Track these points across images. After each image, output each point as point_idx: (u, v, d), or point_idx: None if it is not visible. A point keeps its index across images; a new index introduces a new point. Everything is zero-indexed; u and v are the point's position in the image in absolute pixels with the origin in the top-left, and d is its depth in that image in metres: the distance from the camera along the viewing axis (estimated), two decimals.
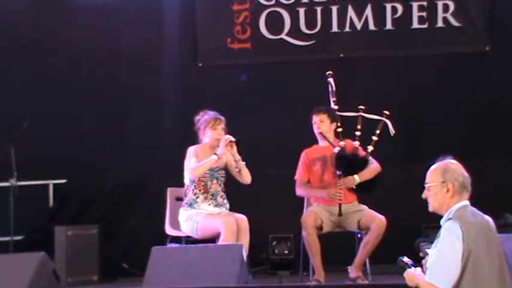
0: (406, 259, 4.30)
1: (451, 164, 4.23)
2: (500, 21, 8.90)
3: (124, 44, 9.17)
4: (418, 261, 4.36)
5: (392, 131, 7.04)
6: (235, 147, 6.70)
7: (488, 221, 4.16)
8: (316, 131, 7.00)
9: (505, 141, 8.56)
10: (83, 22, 9.16)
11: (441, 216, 4.21)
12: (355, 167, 6.87)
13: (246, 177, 6.77)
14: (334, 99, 7.16)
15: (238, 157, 6.73)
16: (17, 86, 9.08)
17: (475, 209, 4.17)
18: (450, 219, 4.09)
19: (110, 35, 9.17)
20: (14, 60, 9.10)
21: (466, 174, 4.21)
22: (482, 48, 8.87)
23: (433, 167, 4.25)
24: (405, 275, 4.24)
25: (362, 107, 7.05)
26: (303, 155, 7.09)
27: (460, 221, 4.04)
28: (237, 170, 6.76)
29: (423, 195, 4.27)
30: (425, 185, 4.26)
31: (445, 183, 4.16)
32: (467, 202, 4.17)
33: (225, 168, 6.86)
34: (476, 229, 4.04)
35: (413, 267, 4.24)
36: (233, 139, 6.68)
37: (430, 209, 4.26)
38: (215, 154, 6.62)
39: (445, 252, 4.01)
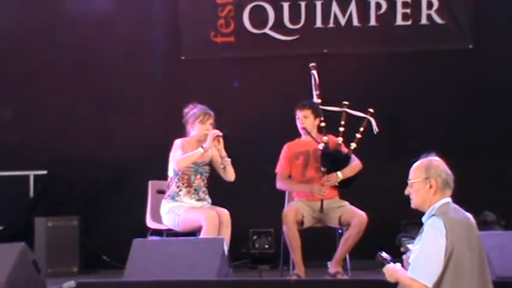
0: (384, 254, 4.32)
1: (434, 160, 4.25)
2: (484, 19, 8.93)
3: (107, 37, 9.13)
4: (399, 257, 4.38)
5: (375, 129, 7.05)
6: (222, 143, 6.69)
7: (469, 218, 4.20)
8: (299, 126, 7.00)
9: (487, 139, 8.60)
10: (69, 15, 9.11)
11: (422, 213, 4.24)
12: (338, 164, 6.87)
13: (230, 174, 6.76)
14: (318, 92, 7.15)
15: (224, 153, 6.72)
16: None
17: (457, 206, 4.20)
18: (433, 215, 4.11)
19: (94, 28, 9.12)
20: None
21: (448, 171, 4.23)
22: (466, 46, 8.91)
23: (416, 163, 4.28)
24: (384, 270, 4.26)
25: (346, 102, 7.05)
26: (285, 148, 7.08)
27: (444, 217, 4.06)
28: (222, 166, 6.75)
29: (406, 192, 4.29)
30: (408, 181, 4.28)
31: (428, 179, 4.19)
32: (449, 199, 4.20)
33: (210, 164, 6.85)
34: (459, 226, 4.07)
35: (392, 263, 4.26)
36: (220, 134, 6.67)
37: (413, 205, 4.28)
38: (201, 147, 6.61)
39: (428, 248, 4.04)
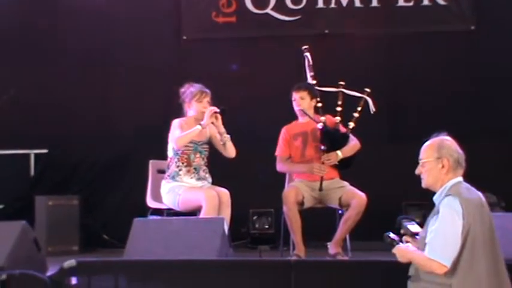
0: (392, 235, 4.31)
1: (445, 140, 4.25)
2: (485, 1, 8.90)
3: (108, 18, 9.11)
4: (401, 239, 4.37)
5: (372, 108, 7.04)
6: (220, 119, 6.69)
7: (481, 197, 4.22)
8: (296, 108, 6.99)
9: (488, 121, 8.59)
10: None
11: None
12: (337, 143, 6.87)
13: (230, 150, 6.76)
14: (312, 73, 7.14)
15: (223, 130, 6.73)
16: (1, 56, 9.01)
17: (468, 185, 4.21)
18: (449, 195, 4.10)
19: (95, 9, 9.09)
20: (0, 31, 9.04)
21: (460, 150, 4.24)
22: (467, 27, 8.89)
23: (427, 143, 4.27)
24: (395, 250, 4.25)
25: (342, 82, 7.03)
26: (283, 130, 7.08)
27: (459, 197, 4.06)
28: (221, 143, 6.75)
29: (416, 171, 4.28)
30: (420, 161, 4.27)
31: (440, 159, 4.19)
32: (461, 178, 4.21)
33: (209, 143, 6.85)
34: (473, 205, 4.09)
35: (401, 243, 4.25)
36: (218, 110, 6.67)
37: (424, 185, 4.27)
38: (200, 124, 6.61)
39: (446, 228, 4.04)
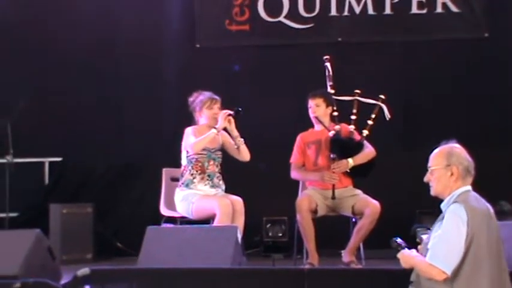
0: (399, 240, 4.30)
1: (455, 147, 4.23)
2: (499, 8, 8.88)
3: (122, 25, 9.13)
4: (413, 247, 4.36)
5: (387, 115, 7.04)
6: (233, 123, 6.70)
7: (489, 208, 4.19)
8: (311, 115, 7.00)
9: (502, 129, 8.57)
10: (82, 2, 9.12)
11: (436, 202, 4.22)
12: (349, 151, 6.87)
13: (244, 154, 6.77)
14: (331, 83, 7.15)
15: (236, 133, 6.73)
16: (15, 64, 9.04)
17: (477, 195, 4.18)
18: (456, 202, 4.09)
19: (109, 16, 9.13)
20: (13, 38, 9.06)
21: (469, 158, 4.21)
22: (481, 35, 8.86)
23: (437, 150, 4.25)
24: (399, 255, 4.24)
25: (358, 91, 7.04)
26: (298, 138, 7.09)
27: (465, 204, 4.05)
28: (235, 147, 6.75)
29: (425, 179, 4.26)
30: (429, 168, 4.25)
31: (449, 166, 4.17)
32: (469, 187, 4.18)
33: (222, 149, 6.86)
34: (480, 214, 4.06)
35: (406, 248, 4.24)
36: (231, 112, 6.68)
37: (432, 192, 4.25)
38: (215, 128, 6.62)
39: (449, 235, 4.02)
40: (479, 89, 8.76)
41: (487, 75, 8.79)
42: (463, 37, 8.89)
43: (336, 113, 6.99)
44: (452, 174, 4.16)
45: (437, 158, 4.23)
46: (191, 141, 6.68)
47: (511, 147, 8.52)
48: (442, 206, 4.20)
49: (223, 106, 6.84)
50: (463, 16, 8.92)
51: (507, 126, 8.58)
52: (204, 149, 6.70)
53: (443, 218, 4.11)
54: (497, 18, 8.84)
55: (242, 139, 6.76)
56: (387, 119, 7.05)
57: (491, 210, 4.19)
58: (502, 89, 8.75)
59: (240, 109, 6.73)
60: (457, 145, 4.26)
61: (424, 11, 8.96)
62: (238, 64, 9.00)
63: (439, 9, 8.94)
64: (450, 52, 8.86)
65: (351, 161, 6.83)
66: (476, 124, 8.60)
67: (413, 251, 4.24)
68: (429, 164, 4.25)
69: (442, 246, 4.04)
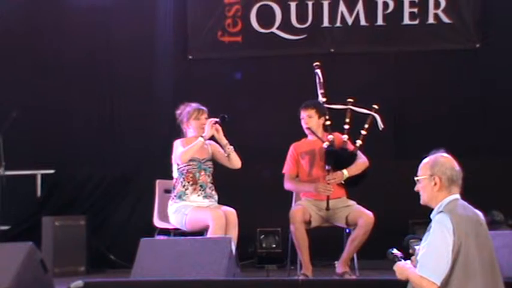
0: (395, 251, 4.31)
1: (441, 157, 4.26)
2: (491, 19, 8.92)
3: (115, 37, 9.15)
4: (407, 258, 4.36)
5: (381, 125, 7.05)
6: (220, 132, 6.69)
7: (478, 215, 4.19)
8: (304, 126, 7.00)
9: (494, 139, 8.59)
10: (75, 14, 9.12)
11: (430, 211, 4.23)
12: (343, 162, 6.86)
13: (235, 161, 6.75)
14: (322, 91, 7.15)
15: (225, 141, 6.72)
16: (6, 76, 9.03)
17: (465, 203, 4.19)
18: (441, 212, 4.11)
19: (101, 27, 9.14)
20: (3, 50, 9.06)
21: (456, 168, 4.22)
22: (472, 45, 8.89)
23: (424, 160, 4.28)
24: (395, 267, 4.25)
25: (351, 99, 7.04)
26: (291, 148, 7.09)
27: (451, 214, 4.06)
28: (225, 155, 6.74)
29: (415, 188, 4.29)
30: (416, 178, 4.28)
31: (432, 176, 4.20)
32: (457, 196, 4.20)
33: (212, 160, 6.85)
34: (467, 222, 4.06)
35: (403, 260, 4.25)
36: (217, 119, 6.67)
37: (421, 202, 4.29)
38: (201, 136, 6.61)
39: (436, 245, 4.03)
40: (470, 99, 8.79)
41: (478, 86, 8.82)
42: (455, 48, 8.92)
43: (328, 122, 6.99)
44: (435, 184, 4.19)
45: (422, 168, 4.27)
46: (179, 151, 6.67)
47: (503, 157, 8.53)
48: (432, 216, 4.21)
49: (214, 117, 6.83)
50: (454, 27, 8.95)
51: (499, 137, 8.59)
52: (193, 160, 6.69)
53: (430, 228, 4.13)
54: (488, 29, 8.88)
55: (231, 147, 6.75)
56: (380, 129, 7.06)
57: (481, 217, 4.20)
58: (493, 99, 8.77)
59: (226, 116, 6.73)
60: (445, 154, 4.28)
61: (416, 22, 8.99)
62: (236, 74, 9.01)
63: (431, 20, 8.97)
64: (442, 62, 8.90)
65: (345, 172, 6.83)
66: (468, 134, 8.62)
67: (408, 262, 4.24)
68: (417, 174, 4.29)
69: (429, 256, 4.05)
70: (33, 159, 8.94)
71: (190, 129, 6.84)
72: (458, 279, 4.00)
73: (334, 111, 7.08)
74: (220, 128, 6.69)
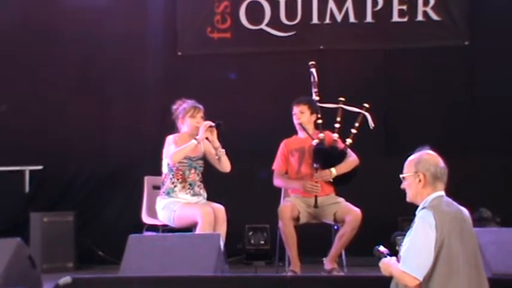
0: (382, 248, 4.33)
1: (425, 154, 4.29)
2: (480, 16, 8.92)
3: (104, 33, 9.10)
4: (394, 255, 4.38)
5: (371, 124, 7.07)
6: (215, 133, 6.70)
7: (462, 211, 4.22)
8: (295, 121, 7.01)
9: (483, 136, 8.60)
10: (65, 11, 9.09)
11: (417, 208, 4.25)
12: (332, 160, 6.88)
13: (225, 165, 6.76)
14: (316, 90, 7.17)
15: (217, 144, 6.73)
16: None
17: (450, 200, 4.22)
18: (424, 208, 4.14)
19: (91, 24, 9.10)
20: None
21: (441, 164, 4.25)
22: (462, 43, 8.90)
23: (409, 157, 4.32)
24: (380, 264, 4.28)
25: (342, 98, 7.06)
26: (281, 145, 7.09)
27: (434, 210, 4.09)
28: (216, 157, 6.75)
29: (402, 186, 4.32)
30: (401, 176, 4.31)
31: (417, 173, 4.24)
32: (442, 193, 4.22)
33: (204, 158, 6.85)
34: (450, 218, 4.09)
35: (388, 257, 4.27)
36: (213, 124, 6.67)
37: (407, 199, 4.33)
38: (195, 139, 6.61)
39: (418, 241, 4.06)
40: (459, 96, 8.80)
41: (467, 83, 8.84)
42: (444, 45, 8.92)
43: (320, 121, 7.00)
44: (420, 180, 4.22)
45: (408, 165, 4.31)
46: (171, 150, 6.67)
47: (491, 155, 8.54)
48: (417, 212, 4.24)
49: (206, 114, 6.84)
50: (443, 24, 8.95)
51: (487, 134, 8.61)
52: (185, 158, 6.69)
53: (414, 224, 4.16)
54: (477, 27, 8.88)
55: (223, 150, 6.75)
56: (371, 127, 7.08)
57: (466, 213, 4.23)
58: (482, 97, 8.79)
59: (222, 123, 6.72)
60: (430, 151, 4.31)
61: (405, 19, 8.99)
62: (231, 74, 9.01)
63: (420, 18, 8.98)
64: (431, 60, 8.90)
65: (333, 171, 6.84)
66: (456, 132, 8.65)
67: (393, 258, 4.26)
68: (403, 172, 4.31)
69: (411, 252, 4.09)
70: (21, 155, 8.90)
71: (184, 126, 6.84)
72: (441, 275, 4.03)
73: (325, 110, 7.10)
74: (215, 130, 6.69)
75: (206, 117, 6.82)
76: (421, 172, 4.21)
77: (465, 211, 4.24)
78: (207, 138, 6.71)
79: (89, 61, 9.09)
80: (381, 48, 9.02)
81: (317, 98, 7.12)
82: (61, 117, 8.99)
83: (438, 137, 8.32)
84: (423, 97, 8.82)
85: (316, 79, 7.20)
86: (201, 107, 6.84)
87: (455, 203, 4.23)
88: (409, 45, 8.97)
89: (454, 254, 4.04)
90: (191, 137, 6.72)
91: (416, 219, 4.14)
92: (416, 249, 4.06)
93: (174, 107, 6.91)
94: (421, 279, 4.03)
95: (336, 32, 9.07)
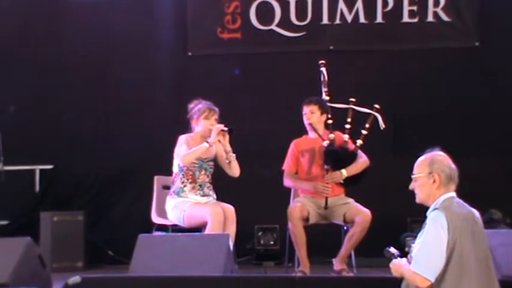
0: (392, 249, 4.32)
1: (438, 155, 4.27)
2: (490, 17, 8.91)
3: (114, 33, 9.12)
4: (404, 256, 4.37)
5: (382, 125, 7.05)
6: (227, 137, 6.69)
7: (474, 213, 4.20)
8: (306, 122, 7.00)
9: (493, 137, 8.59)
10: (74, 10, 9.11)
11: (427, 209, 4.24)
12: (343, 161, 6.87)
13: (235, 169, 6.76)
14: (326, 89, 7.16)
15: (229, 148, 6.72)
16: (4, 72, 9.03)
17: (461, 201, 4.21)
18: (436, 209, 4.12)
19: (100, 23, 9.12)
20: (3, 46, 9.05)
21: (453, 165, 4.24)
22: (472, 43, 8.89)
23: (420, 158, 4.30)
24: (391, 265, 4.27)
25: (353, 99, 7.05)
26: (292, 145, 7.08)
27: (446, 211, 4.07)
28: (227, 161, 6.74)
29: (410, 187, 4.31)
30: (412, 176, 4.29)
31: (431, 174, 4.21)
32: (453, 194, 4.21)
33: (214, 160, 6.85)
34: (462, 220, 4.08)
35: (399, 258, 4.27)
36: (225, 128, 6.67)
37: (417, 200, 4.30)
38: (206, 142, 6.61)
39: (430, 242, 4.05)
40: (470, 97, 8.78)
41: (477, 84, 8.82)
42: (454, 46, 8.91)
43: (330, 121, 6.99)
44: (434, 181, 4.20)
45: (420, 166, 4.28)
46: (182, 151, 6.67)
47: (501, 156, 8.53)
48: (428, 213, 4.22)
49: (219, 116, 6.83)
50: (454, 25, 8.94)
51: (498, 135, 8.59)
52: (196, 158, 6.70)
53: (425, 225, 4.15)
54: (488, 27, 8.87)
55: (234, 154, 6.74)
56: (381, 128, 7.07)
57: (477, 215, 4.21)
58: (492, 98, 8.77)
59: (234, 128, 6.71)
60: (441, 153, 4.30)
61: (416, 20, 8.98)
62: (235, 69, 9.01)
63: (430, 18, 8.96)
64: (441, 61, 8.88)
65: (344, 172, 6.83)
66: (467, 133, 8.63)
67: (404, 259, 4.26)
68: (413, 172, 4.29)
69: (423, 253, 4.07)
70: (31, 155, 8.93)
71: (198, 127, 6.83)
72: (453, 276, 4.01)
73: (335, 110, 7.09)
74: (227, 134, 6.68)
75: (220, 119, 6.81)
76: (436, 173, 4.19)
77: (476, 212, 4.22)
78: (219, 141, 6.71)
79: (99, 61, 9.11)
80: (391, 49, 9.00)
81: (327, 98, 7.11)
82: (71, 117, 9.01)
83: (448, 138, 8.28)
84: (433, 98, 8.80)
85: (326, 78, 7.19)
86: (216, 109, 6.82)
87: (466, 205, 4.22)
88: (419, 46, 8.96)
89: (466, 255, 4.03)
90: (203, 138, 6.72)
91: (428, 221, 4.12)
92: (428, 251, 4.05)
93: (190, 105, 6.89)
94: (433, 280, 4.02)
95: (346, 33, 9.06)
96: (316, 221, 6.87)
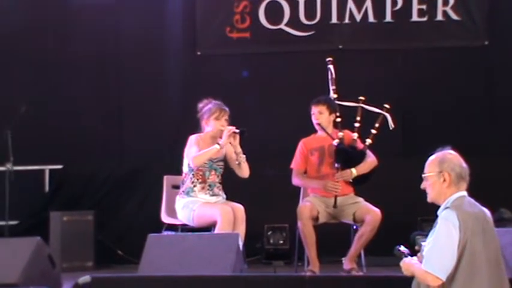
0: (402, 248, 4.32)
1: (448, 154, 4.27)
2: (499, 16, 8.89)
3: (123, 33, 9.14)
4: (414, 255, 4.37)
5: (391, 125, 7.05)
6: (237, 139, 6.68)
7: (485, 212, 4.20)
8: (314, 122, 6.99)
9: (502, 136, 8.58)
10: (84, 10, 9.13)
11: (437, 208, 4.24)
12: (353, 160, 6.87)
13: (244, 171, 6.75)
14: (334, 87, 7.16)
15: (239, 150, 6.70)
16: (14, 72, 9.06)
17: (472, 200, 4.21)
18: (447, 208, 4.12)
19: (110, 23, 9.14)
20: (12, 46, 9.07)
21: (463, 164, 4.24)
22: (481, 43, 8.87)
23: (431, 157, 4.30)
24: (401, 264, 4.27)
25: (362, 98, 7.04)
26: (300, 144, 7.08)
27: (457, 210, 4.07)
28: (236, 162, 6.73)
29: (422, 186, 4.31)
30: (423, 175, 4.29)
31: (441, 173, 4.21)
32: (464, 193, 4.21)
33: (224, 160, 6.84)
34: (473, 219, 4.07)
35: (409, 257, 4.26)
36: (237, 130, 6.66)
37: (428, 199, 4.30)
38: (218, 144, 6.60)
39: (441, 241, 4.05)
40: (479, 97, 8.77)
41: (486, 83, 8.80)
42: (463, 45, 8.89)
43: (339, 119, 6.99)
44: (444, 180, 4.20)
45: (430, 165, 4.28)
46: (192, 152, 6.66)
47: (511, 155, 8.50)
48: (439, 212, 4.22)
49: (230, 117, 6.82)
50: (463, 24, 8.92)
51: (507, 134, 8.57)
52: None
53: (437, 224, 4.14)
54: (497, 27, 8.85)
55: (244, 156, 6.73)
56: (391, 128, 7.06)
57: (488, 214, 4.21)
58: (501, 97, 8.75)
59: (245, 130, 6.70)
60: (451, 151, 4.29)
61: (425, 19, 8.97)
62: (244, 71, 9.01)
63: (439, 17, 8.95)
64: (450, 60, 8.87)
65: (354, 171, 6.84)
66: (476, 132, 8.61)
67: (414, 258, 4.26)
68: (424, 171, 4.29)
69: (434, 252, 4.07)
70: (41, 155, 8.94)
71: (208, 127, 6.82)
72: (464, 275, 4.01)
73: (344, 109, 7.08)
74: (237, 136, 6.68)
75: (230, 119, 6.80)
76: (446, 172, 4.19)
77: (487, 212, 4.22)
78: (229, 143, 6.70)
79: (108, 61, 9.13)
80: (400, 47, 8.99)
81: (335, 96, 7.11)
82: (80, 117, 9.03)
83: (457, 137, 8.25)
84: (441, 97, 8.78)
85: (334, 75, 7.18)
86: (226, 109, 6.81)
87: (477, 204, 4.21)
88: (429, 45, 8.94)
89: (477, 254, 4.03)
90: (213, 138, 6.71)
91: (440, 219, 4.12)
92: (439, 250, 4.05)
93: (200, 105, 6.88)
94: (444, 279, 4.02)
95: (355, 32, 9.05)
96: (325, 221, 6.87)
